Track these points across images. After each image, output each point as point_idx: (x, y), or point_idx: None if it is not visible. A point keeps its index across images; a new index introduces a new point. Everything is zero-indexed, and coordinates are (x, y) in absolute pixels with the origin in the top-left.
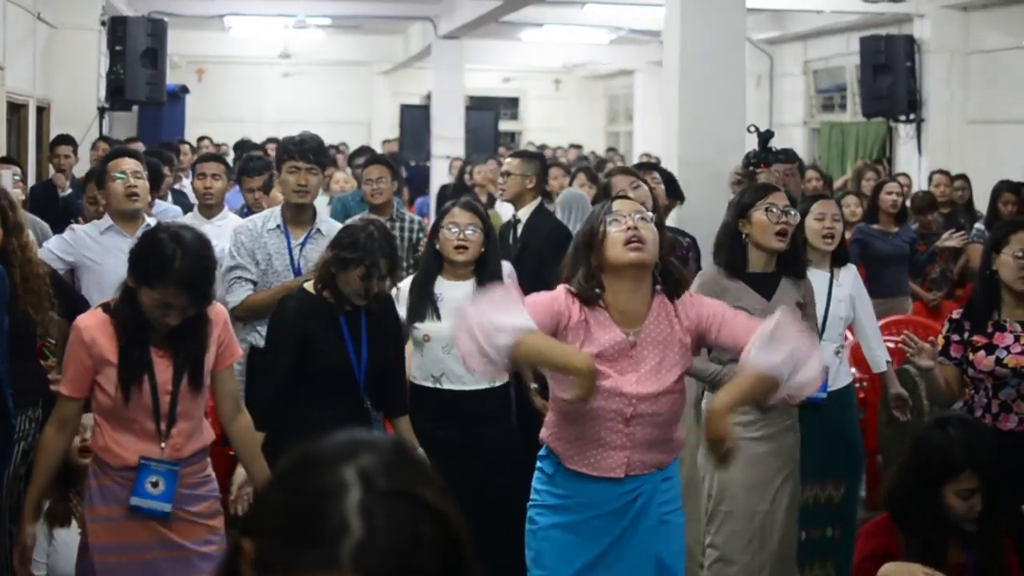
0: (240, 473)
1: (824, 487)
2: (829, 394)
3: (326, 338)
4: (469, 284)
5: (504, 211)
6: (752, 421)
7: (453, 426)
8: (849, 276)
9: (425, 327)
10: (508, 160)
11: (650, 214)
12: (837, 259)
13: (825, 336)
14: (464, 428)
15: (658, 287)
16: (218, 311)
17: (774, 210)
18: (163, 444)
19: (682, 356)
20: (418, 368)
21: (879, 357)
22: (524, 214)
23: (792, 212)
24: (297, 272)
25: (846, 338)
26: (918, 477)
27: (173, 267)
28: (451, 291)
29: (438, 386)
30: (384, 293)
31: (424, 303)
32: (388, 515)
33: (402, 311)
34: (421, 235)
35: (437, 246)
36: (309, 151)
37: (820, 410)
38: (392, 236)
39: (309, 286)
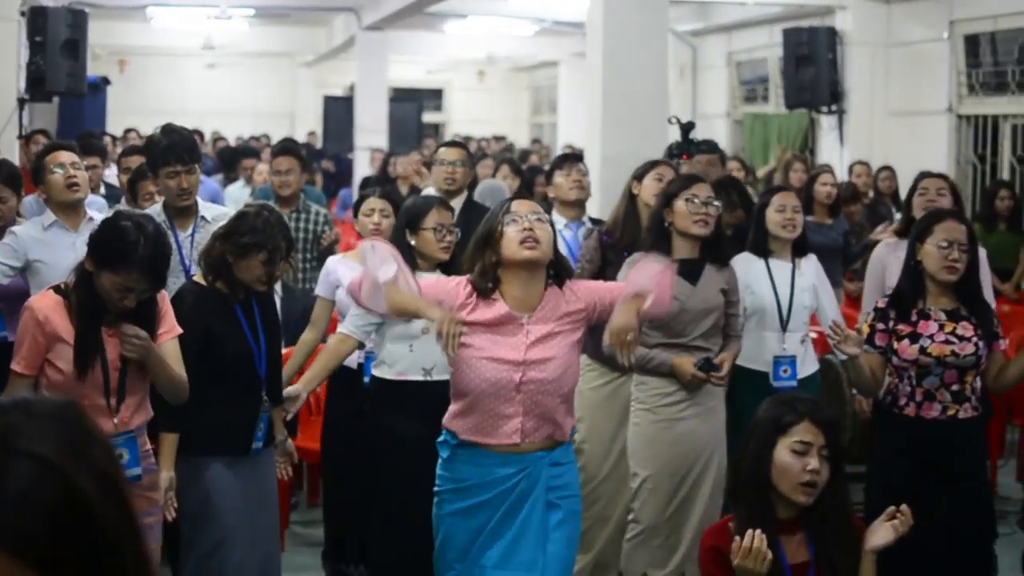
0: (164, 478)
1: None
2: (798, 381)
3: (226, 330)
4: (436, 275)
5: None
6: (677, 401)
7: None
8: (811, 266)
9: (421, 321)
10: (454, 150)
11: (546, 215)
12: (798, 249)
13: (790, 326)
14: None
15: (550, 281)
16: (161, 292)
17: (695, 200)
18: (115, 420)
19: (572, 327)
20: (407, 363)
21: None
22: (458, 205)
23: (714, 203)
24: (187, 268)
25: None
26: (755, 441)
27: (137, 253)
28: None
29: (428, 379)
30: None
31: None
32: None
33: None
34: (326, 227)
35: (413, 243)
36: (183, 152)
37: None
38: (285, 221)
39: (199, 278)
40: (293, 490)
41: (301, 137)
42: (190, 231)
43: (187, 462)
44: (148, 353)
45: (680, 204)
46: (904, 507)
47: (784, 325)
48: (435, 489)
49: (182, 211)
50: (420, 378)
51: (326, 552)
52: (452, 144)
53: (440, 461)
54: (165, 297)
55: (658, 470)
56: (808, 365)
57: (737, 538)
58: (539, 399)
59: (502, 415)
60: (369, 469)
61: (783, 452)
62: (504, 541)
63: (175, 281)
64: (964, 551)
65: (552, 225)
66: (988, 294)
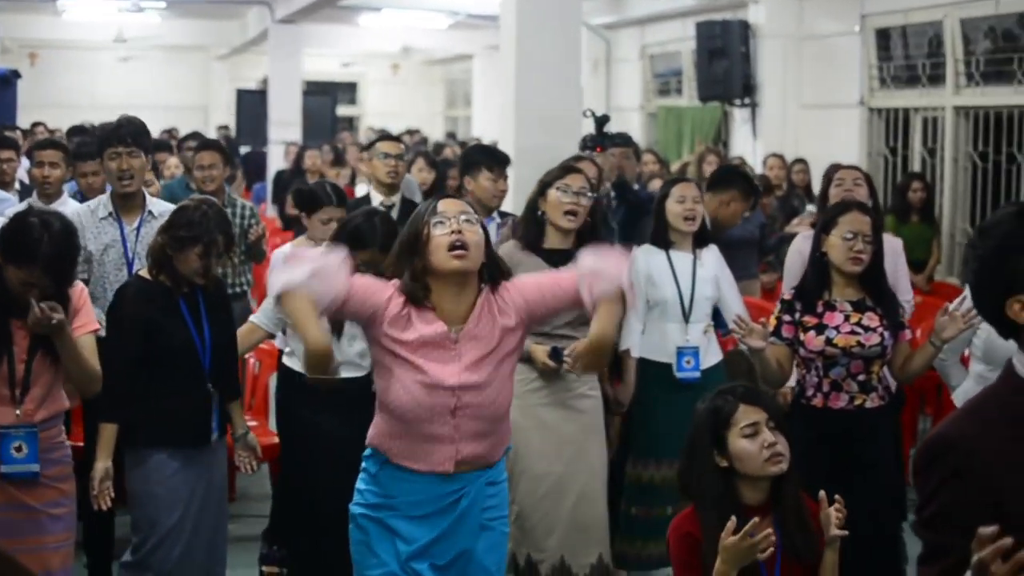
0: (99, 468)
1: None
2: (702, 372)
3: (168, 322)
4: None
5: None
6: (538, 388)
7: (348, 415)
8: (712, 257)
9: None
10: (395, 144)
11: (475, 216)
12: (699, 240)
13: (692, 317)
14: (360, 417)
15: (484, 285)
16: (78, 288)
17: (567, 191)
18: (17, 411)
19: (508, 345)
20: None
21: None
22: (396, 200)
23: (587, 194)
24: (130, 261)
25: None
26: (697, 442)
27: (40, 250)
28: None
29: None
30: (216, 274)
31: None
32: None
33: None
34: (253, 221)
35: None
36: (127, 135)
37: (691, 389)
38: (225, 213)
39: (144, 272)
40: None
41: (211, 131)
42: (136, 224)
43: (132, 453)
44: (61, 331)
45: (553, 193)
46: (838, 497)
47: (686, 316)
48: (354, 503)
49: (128, 204)
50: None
51: (266, 534)
52: (392, 138)
53: (364, 475)
54: (83, 292)
55: (525, 454)
56: (711, 356)
57: (733, 518)
58: (476, 424)
59: (435, 440)
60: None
61: (736, 441)
62: (437, 563)
63: (118, 274)
64: (874, 537)
65: (484, 227)
66: (905, 285)
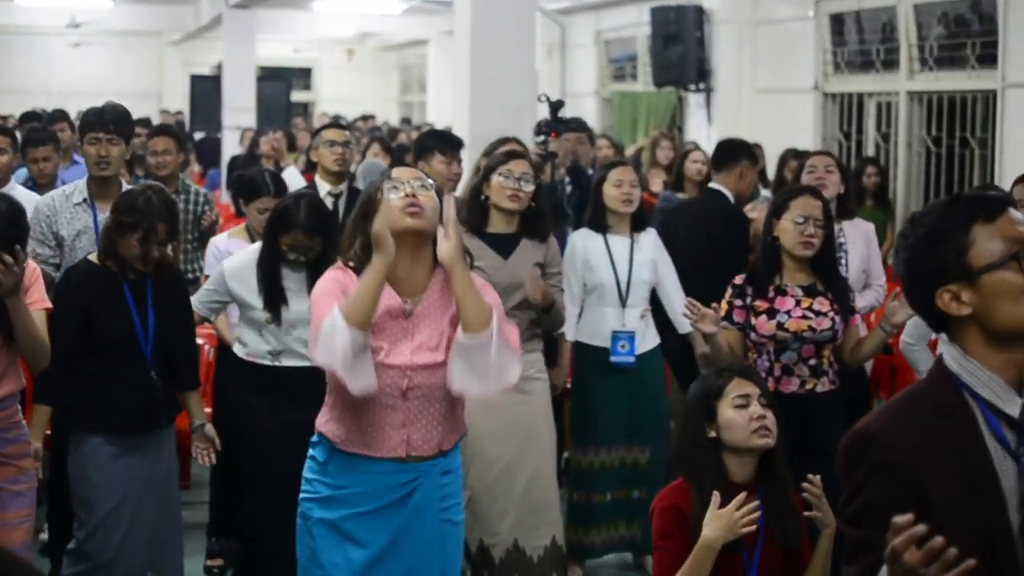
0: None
1: (630, 450)
2: (637, 357)
3: (110, 308)
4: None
5: (293, 180)
6: None
7: (297, 402)
8: (650, 240)
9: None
10: (342, 131)
11: (430, 181)
12: (637, 224)
13: (629, 301)
14: (310, 404)
15: (438, 263)
16: (30, 267)
17: (510, 177)
18: None
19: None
20: (256, 346)
21: (684, 319)
22: (344, 188)
23: (529, 180)
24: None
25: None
26: (691, 415)
27: None
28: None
29: (276, 363)
30: (169, 260)
31: (277, 288)
32: None
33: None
34: (206, 208)
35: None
36: (109, 121)
37: (627, 374)
38: (173, 201)
39: (93, 256)
40: None
41: (158, 116)
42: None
43: (73, 438)
44: (16, 288)
45: (497, 179)
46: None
47: (623, 301)
48: (303, 496)
49: (105, 190)
50: (268, 362)
51: (209, 528)
52: (338, 126)
53: (312, 463)
54: (35, 271)
55: (476, 438)
56: (648, 341)
57: (717, 494)
58: (428, 407)
59: (386, 424)
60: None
61: (727, 411)
62: (400, 564)
63: None
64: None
65: (439, 194)
66: (878, 269)
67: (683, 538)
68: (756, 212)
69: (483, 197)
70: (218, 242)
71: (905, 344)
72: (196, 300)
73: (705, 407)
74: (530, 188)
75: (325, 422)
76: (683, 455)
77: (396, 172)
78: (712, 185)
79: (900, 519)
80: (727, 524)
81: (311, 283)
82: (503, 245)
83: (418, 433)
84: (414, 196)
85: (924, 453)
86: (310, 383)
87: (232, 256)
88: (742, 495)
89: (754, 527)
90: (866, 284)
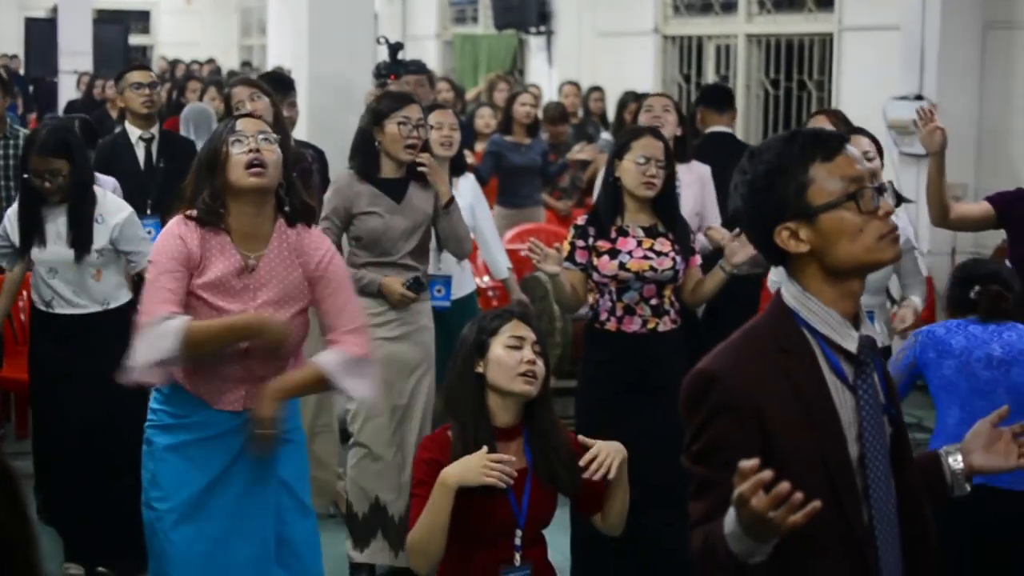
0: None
1: None
2: (453, 302)
3: None
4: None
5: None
6: (387, 321)
7: (71, 350)
8: (468, 185)
9: (48, 256)
10: (146, 72)
11: (274, 135)
12: (455, 168)
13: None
14: (84, 351)
15: (280, 216)
16: None
17: (407, 124)
18: None
19: (300, 293)
20: (38, 293)
21: (500, 264)
22: (156, 132)
23: (423, 126)
24: None
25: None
26: (464, 349)
27: None
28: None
29: (50, 310)
30: None
31: (30, 228)
32: None
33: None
34: None
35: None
36: None
37: (443, 318)
38: None
39: None
40: (1, 422)
41: None
42: None
43: None
44: None
45: (392, 127)
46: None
47: (440, 245)
48: (148, 424)
49: None
50: (43, 308)
51: (37, 483)
52: (141, 67)
53: (157, 394)
54: None
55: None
56: (465, 286)
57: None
58: (267, 364)
59: (226, 380)
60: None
61: (498, 349)
62: (234, 490)
63: None
64: (671, 458)
65: (284, 145)
66: (714, 212)
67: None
68: (586, 153)
69: (376, 143)
70: None
71: (772, 283)
72: None
73: (478, 343)
74: (425, 134)
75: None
76: (451, 391)
77: (240, 124)
78: (717, 129)
79: (746, 464)
80: (468, 467)
81: (72, 226)
82: (395, 190)
83: (257, 389)
84: (258, 152)
85: (765, 389)
86: (92, 330)
87: None
88: (483, 449)
89: (500, 480)
90: (699, 227)
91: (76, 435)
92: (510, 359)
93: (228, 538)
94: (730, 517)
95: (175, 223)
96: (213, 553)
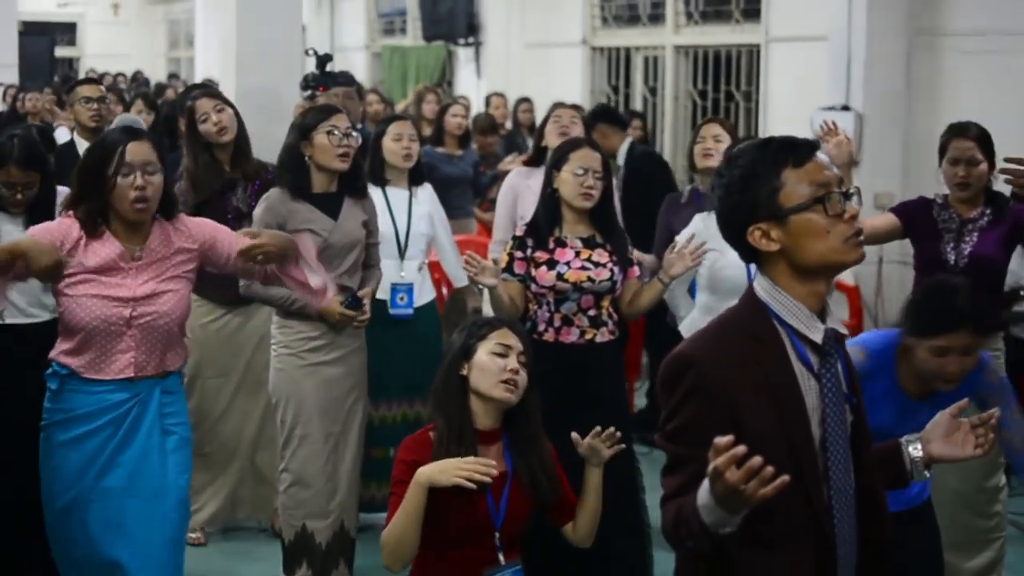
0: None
1: (412, 404)
2: (415, 310)
3: None
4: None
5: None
6: (323, 344)
7: (22, 357)
8: (427, 194)
9: None
10: (95, 87)
11: (157, 164)
12: (415, 177)
13: (408, 254)
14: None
15: (157, 216)
16: None
17: (336, 133)
18: None
19: (183, 264)
20: None
21: (460, 272)
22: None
23: (353, 134)
24: None
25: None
26: (452, 351)
27: None
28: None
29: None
30: None
31: None
32: None
33: None
34: None
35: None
36: None
37: (406, 326)
38: None
39: None
40: None
41: None
42: None
43: None
44: None
45: (321, 138)
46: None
47: (402, 253)
48: (42, 423)
49: None
50: None
51: None
52: (91, 81)
53: (48, 393)
54: None
55: (308, 416)
56: (425, 293)
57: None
58: (151, 333)
59: (114, 351)
60: None
61: (483, 355)
62: (125, 468)
63: None
64: (610, 468)
65: (164, 163)
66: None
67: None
68: (516, 164)
69: (306, 158)
70: None
71: (683, 327)
72: None
73: (466, 346)
74: (356, 143)
75: (59, 353)
76: (436, 391)
77: (130, 155)
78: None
79: (721, 440)
80: (442, 468)
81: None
82: (330, 206)
83: (143, 356)
84: (144, 188)
85: (736, 374)
86: (47, 338)
87: None
88: (475, 459)
89: (471, 480)
90: None
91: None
92: (494, 365)
93: (123, 501)
94: (704, 490)
95: (61, 217)
96: (112, 522)
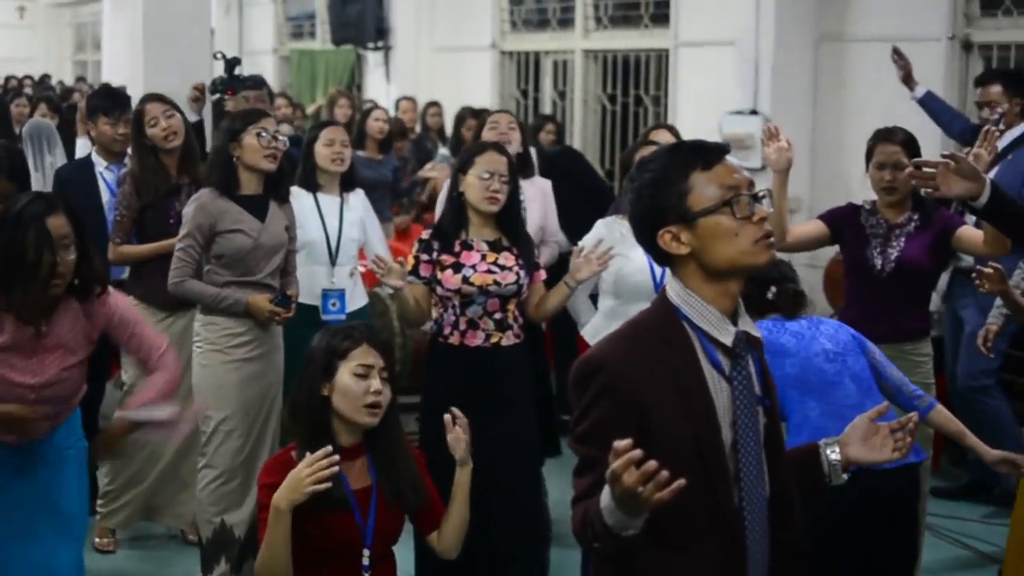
0: None
1: None
2: (347, 315)
3: None
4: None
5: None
6: (248, 341)
7: None
8: (358, 200)
9: None
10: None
11: (73, 239)
12: (346, 183)
13: (339, 260)
14: None
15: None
16: None
17: (264, 135)
18: None
19: (86, 346)
20: None
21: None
22: None
23: (281, 137)
24: None
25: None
26: (312, 366)
27: None
28: None
29: None
30: None
31: None
32: None
33: None
34: None
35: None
36: None
37: None
38: None
39: None
40: None
41: None
42: None
43: None
44: None
45: (250, 139)
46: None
47: (333, 259)
48: None
49: None
50: None
51: None
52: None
53: None
54: None
55: (232, 412)
56: (357, 299)
57: (329, 447)
58: (54, 406)
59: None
60: None
61: (345, 376)
62: (19, 494)
63: None
64: (515, 473)
65: (83, 233)
66: (555, 225)
67: None
68: (436, 171)
69: (234, 159)
70: None
71: (586, 332)
72: None
73: (326, 364)
74: (283, 146)
75: None
76: (296, 409)
77: (54, 228)
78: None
79: (620, 444)
80: (293, 486)
81: None
82: (257, 208)
83: (40, 425)
84: (63, 276)
85: (647, 376)
86: None
87: None
88: (307, 459)
89: (320, 486)
90: (542, 240)
91: None
92: (357, 388)
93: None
94: (605, 492)
95: None
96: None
